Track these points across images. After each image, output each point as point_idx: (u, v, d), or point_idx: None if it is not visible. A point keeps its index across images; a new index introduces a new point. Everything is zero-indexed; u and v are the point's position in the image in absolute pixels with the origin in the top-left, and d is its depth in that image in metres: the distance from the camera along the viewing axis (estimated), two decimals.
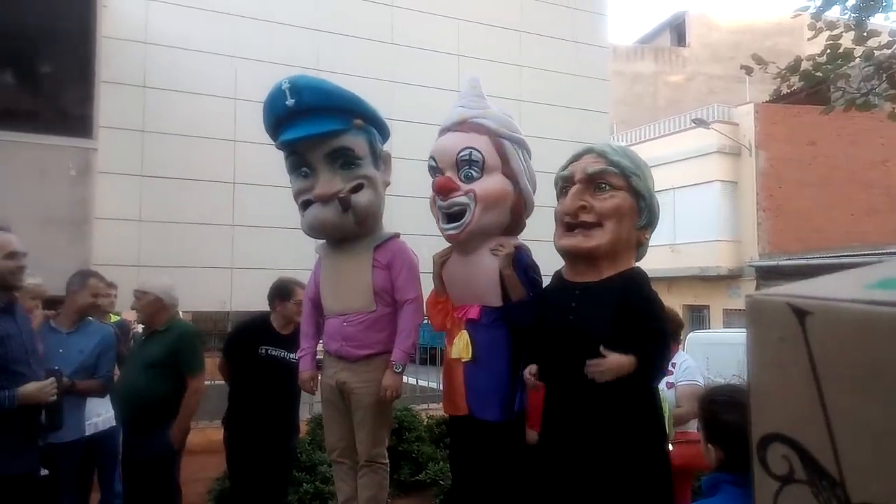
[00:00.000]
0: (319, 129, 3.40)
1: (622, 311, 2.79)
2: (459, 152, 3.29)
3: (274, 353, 4.29)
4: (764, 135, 17.87)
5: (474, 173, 3.28)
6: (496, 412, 3.22)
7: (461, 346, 3.29)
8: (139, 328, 6.99)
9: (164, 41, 7.24)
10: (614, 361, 2.66)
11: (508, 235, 3.37)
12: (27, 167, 6.42)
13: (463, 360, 3.28)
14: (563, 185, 3.13)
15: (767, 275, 17.21)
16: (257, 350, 4.28)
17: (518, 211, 3.39)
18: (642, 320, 2.76)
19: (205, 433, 5.92)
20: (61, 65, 7.14)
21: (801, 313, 0.69)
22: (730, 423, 1.77)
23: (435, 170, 3.38)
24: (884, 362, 0.63)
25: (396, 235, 3.69)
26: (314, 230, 3.63)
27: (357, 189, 3.50)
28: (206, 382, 4.37)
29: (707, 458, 1.88)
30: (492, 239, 3.30)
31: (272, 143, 3.75)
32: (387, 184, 3.71)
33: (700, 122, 17.66)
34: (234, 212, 7.35)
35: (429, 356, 9.21)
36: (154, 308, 4.14)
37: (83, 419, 4.17)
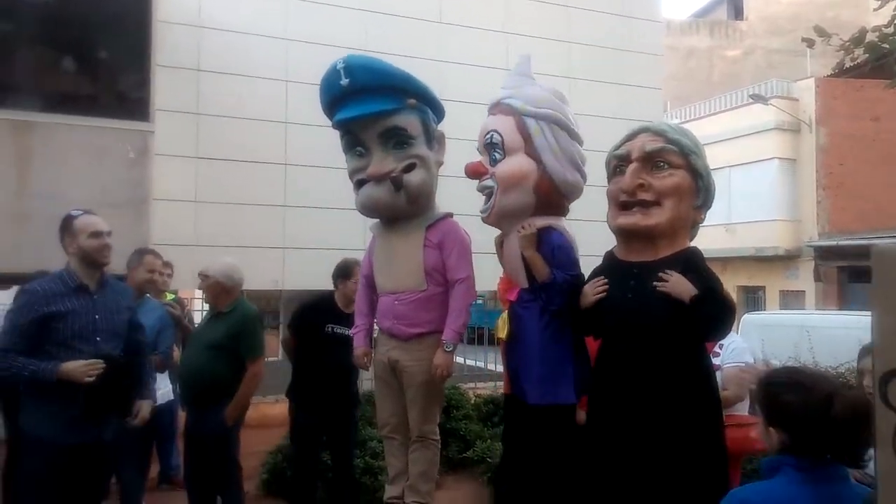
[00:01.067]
0: (372, 108, 3.43)
1: None
2: (485, 136, 3.37)
3: (339, 330, 4.45)
4: (825, 110, 17.23)
5: (497, 155, 3.34)
6: (530, 394, 3.23)
7: (500, 325, 3.38)
8: (194, 307, 7.21)
9: (217, 25, 7.35)
10: (680, 278, 2.76)
11: (546, 215, 3.33)
12: (87, 150, 6.63)
13: (506, 340, 3.36)
14: (618, 163, 3.08)
15: (827, 255, 16.69)
16: (323, 328, 4.47)
17: (545, 190, 3.31)
18: (703, 281, 2.79)
19: (258, 408, 6.06)
20: (118, 49, 7.33)
21: None
22: (791, 403, 1.73)
23: (479, 153, 3.46)
24: None
25: (449, 215, 3.69)
26: (367, 209, 3.67)
27: (409, 168, 3.52)
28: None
29: (768, 441, 1.83)
30: (522, 220, 3.30)
31: (323, 124, 3.79)
32: (440, 163, 3.72)
33: (758, 98, 17.12)
34: (286, 192, 7.45)
35: (476, 336, 9.23)
36: (216, 290, 4.25)
37: None
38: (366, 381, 6.93)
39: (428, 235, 3.55)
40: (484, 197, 3.43)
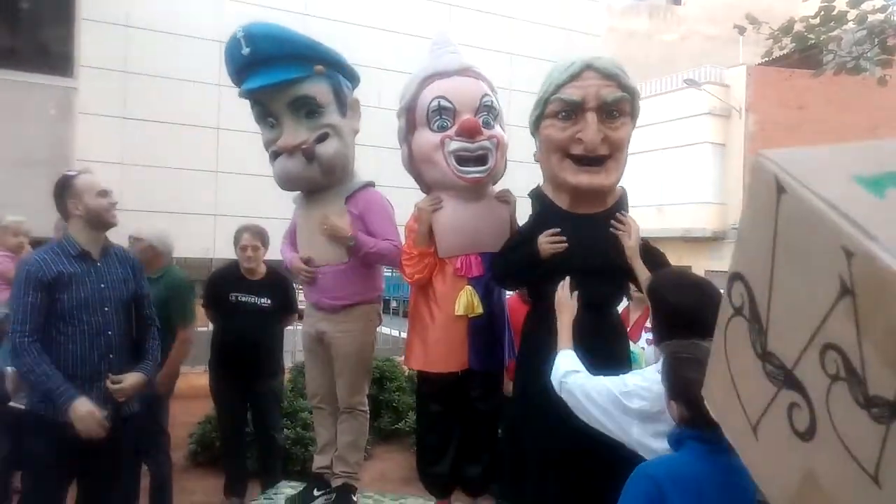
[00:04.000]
0: (276, 77, 3.28)
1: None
2: (483, 97, 3.28)
3: (243, 298, 4.37)
4: (755, 98, 17.80)
5: (491, 120, 3.31)
6: (497, 361, 3.33)
7: (466, 302, 3.22)
8: None
9: None
10: (634, 221, 2.92)
11: None
12: (4, 105, 6.30)
13: (470, 316, 3.23)
14: (565, 109, 2.91)
15: None
16: (228, 296, 4.37)
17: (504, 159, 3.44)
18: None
19: (187, 378, 5.94)
20: (42, 2, 6.94)
21: (780, 189, 0.81)
22: (692, 380, 1.72)
23: (447, 111, 3.24)
24: (814, 253, 0.76)
25: (371, 184, 3.62)
26: (282, 182, 3.56)
27: (322, 139, 3.40)
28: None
29: (670, 412, 1.87)
30: (491, 188, 3.39)
31: None
32: (356, 131, 3.60)
33: (691, 83, 17.54)
34: (219, 157, 7.26)
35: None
36: (148, 255, 4.10)
37: None
38: (297, 353, 6.88)
39: (349, 206, 3.47)
40: (458, 157, 3.23)
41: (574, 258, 2.84)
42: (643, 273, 2.80)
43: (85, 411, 2.75)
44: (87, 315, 2.87)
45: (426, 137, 3.29)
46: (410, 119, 3.36)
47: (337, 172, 3.49)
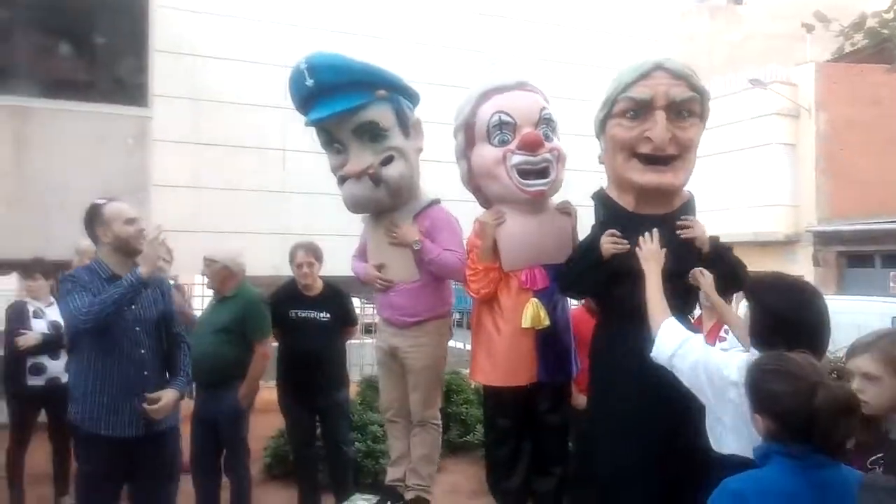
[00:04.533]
0: (341, 106, 3.38)
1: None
2: (542, 110, 3.31)
3: (302, 314, 4.46)
4: (824, 95, 17.17)
5: (550, 133, 3.33)
6: (565, 373, 3.35)
7: (533, 315, 3.22)
8: (194, 292, 7.22)
9: (215, 9, 7.32)
10: (700, 224, 2.88)
11: None
12: (85, 136, 6.62)
13: (538, 329, 3.23)
14: (633, 107, 2.88)
15: (826, 240, 16.71)
16: (288, 313, 4.47)
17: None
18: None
19: (259, 393, 6.10)
20: (116, 34, 7.30)
21: None
22: (778, 392, 1.71)
23: (507, 125, 3.26)
24: None
25: (437, 201, 3.68)
26: (351, 206, 3.67)
27: (387, 161, 3.48)
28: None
29: (755, 427, 1.81)
30: (551, 199, 3.42)
31: None
32: (419, 150, 3.66)
33: (757, 83, 17.04)
34: (285, 178, 7.45)
35: None
36: (222, 275, 4.29)
37: None
38: (366, 367, 6.97)
39: (417, 223, 3.54)
40: (521, 171, 3.23)
41: (638, 260, 2.76)
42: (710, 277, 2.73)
43: (149, 253, 2.99)
44: (122, 335, 3.02)
45: (488, 152, 3.30)
46: (469, 135, 3.39)
47: (404, 193, 3.57)
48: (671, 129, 2.82)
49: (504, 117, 3.27)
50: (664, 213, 2.94)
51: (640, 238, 2.72)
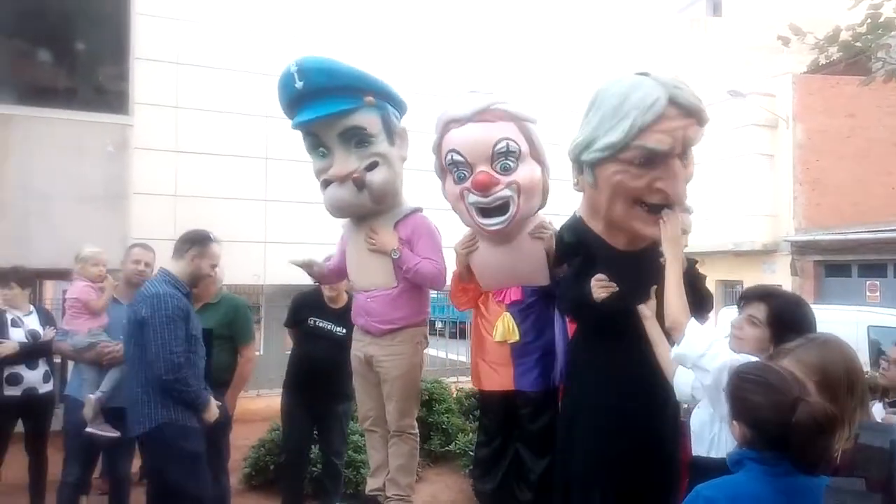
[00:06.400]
0: (329, 109, 3.39)
1: None
2: (496, 144, 3.17)
3: (321, 324, 4.49)
4: (801, 106, 17.42)
5: (511, 164, 3.20)
6: (548, 380, 3.33)
7: (505, 329, 3.31)
8: None
9: (197, 17, 7.31)
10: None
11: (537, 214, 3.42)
12: (65, 143, 6.58)
13: (510, 342, 3.31)
14: (647, 157, 2.61)
15: (803, 250, 16.91)
16: (307, 320, 4.52)
17: (546, 191, 3.40)
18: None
19: (240, 402, 6.07)
20: (97, 42, 7.26)
21: None
22: (757, 404, 1.73)
23: (462, 164, 3.25)
24: None
25: (418, 210, 3.69)
26: (333, 210, 3.66)
27: (372, 167, 3.48)
28: None
29: (732, 433, 1.85)
30: (527, 222, 3.32)
31: None
32: (403, 159, 3.66)
33: (735, 94, 17.27)
34: (267, 186, 7.44)
35: (458, 330, 9.27)
36: (206, 282, 4.26)
37: None
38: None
39: (397, 231, 3.55)
40: (477, 209, 3.25)
41: (630, 297, 2.79)
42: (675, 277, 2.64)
43: (215, 407, 3.48)
44: (195, 345, 3.43)
45: (450, 187, 3.37)
46: (439, 163, 3.44)
47: (387, 200, 3.58)
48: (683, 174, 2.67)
49: (456, 157, 3.25)
50: (641, 249, 2.95)
51: (661, 220, 2.67)
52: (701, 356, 2.34)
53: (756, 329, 2.31)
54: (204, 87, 7.29)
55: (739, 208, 17.59)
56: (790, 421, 1.66)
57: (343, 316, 4.42)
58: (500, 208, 3.21)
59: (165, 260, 3.58)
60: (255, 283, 7.73)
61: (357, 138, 3.48)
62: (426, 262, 3.47)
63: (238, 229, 7.16)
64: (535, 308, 3.32)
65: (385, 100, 3.55)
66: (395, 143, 3.60)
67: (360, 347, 3.70)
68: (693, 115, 2.64)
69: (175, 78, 7.23)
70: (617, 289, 2.80)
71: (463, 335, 8.98)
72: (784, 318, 2.29)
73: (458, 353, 9.29)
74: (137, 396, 3.35)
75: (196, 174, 7.14)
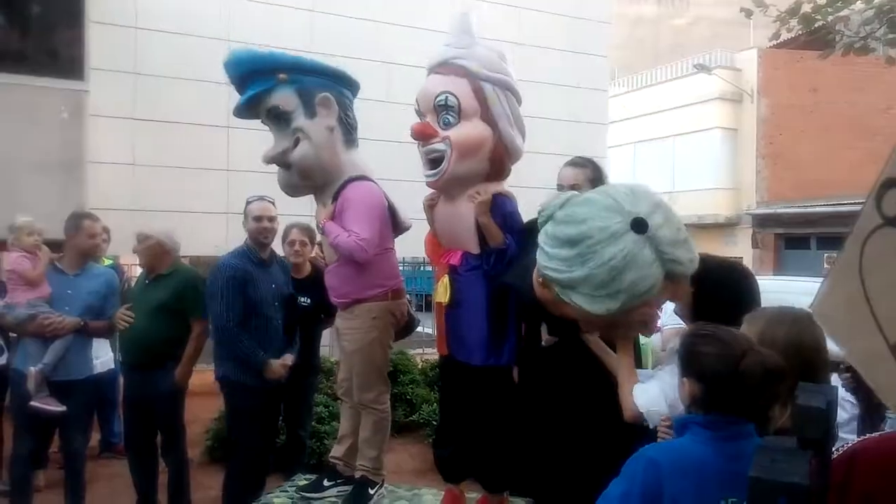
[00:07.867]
0: (243, 97, 3.44)
1: None
2: (436, 96, 3.16)
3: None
4: (766, 81, 17.63)
5: (451, 119, 3.16)
6: (475, 356, 3.23)
7: (441, 290, 3.30)
8: (134, 273, 7.04)
9: None
10: None
11: (494, 181, 3.28)
12: (17, 109, 6.37)
13: (443, 304, 3.30)
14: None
15: (764, 222, 17.24)
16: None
17: (499, 158, 3.25)
18: None
19: (201, 375, 6.02)
20: (50, 4, 7.01)
21: None
22: (708, 354, 1.75)
23: (420, 114, 3.29)
24: None
25: (357, 178, 3.53)
26: (285, 192, 3.68)
27: (297, 143, 3.45)
28: None
29: (680, 393, 1.85)
30: (472, 186, 3.21)
31: None
32: (330, 129, 3.50)
33: (702, 68, 17.40)
34: (230, 156, 7.30)
35: (424, 302, 9.27)
36: (156, 252, 4.18)
37: (91, 359, 4.25)
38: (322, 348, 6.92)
39: (335, 203, 3.46)
40: (427, 160, 3.24)
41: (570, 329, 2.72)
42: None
43: (275, 365, 3.92)
44: (266, 308, 3.93)
45: None
46: None
47: (315, 174, 3.49)
48: None
49: (416, 106, 3.32)
50: None
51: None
52: (667, 404, 2.23)
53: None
54: (163, 52, 7.09)
55: (704, 181, 17.82)
56: (738, 369, 1.68)
57: (308, 286, 4.38)
58: (435, 161, 3.20)
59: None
60: (216, 255, 7.62)
61: (278, 118, 3.46)
62: (342, 236, 3.35)
63: (200, 200, 7.04)
64: (470, 279, 3.23)
65: (301, 73, 3.48)
66: (317, 115, 3.47)
67: (336, 319, 3.72)
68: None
69: (132, 43, 7.02)
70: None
71: (429, 307, 8.97)
72: (707, 280, 2.34)
73: (424, 325, 9.30)
74: None
75: (155, 143, 6.97)
